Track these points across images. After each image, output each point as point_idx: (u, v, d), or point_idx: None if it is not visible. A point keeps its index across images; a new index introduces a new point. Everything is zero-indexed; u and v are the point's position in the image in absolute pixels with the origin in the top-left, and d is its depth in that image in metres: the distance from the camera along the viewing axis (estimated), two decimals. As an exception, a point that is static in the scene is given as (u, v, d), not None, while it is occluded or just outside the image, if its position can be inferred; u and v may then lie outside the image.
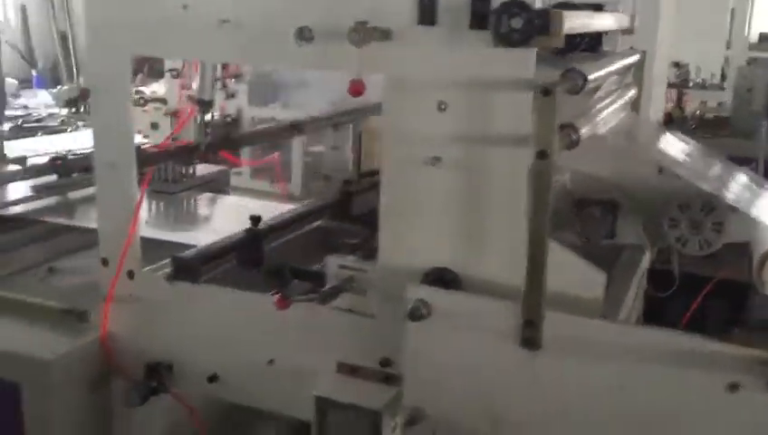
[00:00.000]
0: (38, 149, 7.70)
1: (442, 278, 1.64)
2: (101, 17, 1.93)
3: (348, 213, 2.82)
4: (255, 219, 2.28)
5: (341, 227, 2.74)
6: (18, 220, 2.81)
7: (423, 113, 1.64)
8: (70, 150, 8.11)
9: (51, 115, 11.76)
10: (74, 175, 3.17)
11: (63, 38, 17.09)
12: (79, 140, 10.17)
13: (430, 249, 1.69)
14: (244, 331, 1.93)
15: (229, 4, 1.77)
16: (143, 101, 8.17)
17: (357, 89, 1.56)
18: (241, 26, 1.76)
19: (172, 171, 3.16)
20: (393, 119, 1.69)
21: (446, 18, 1.59)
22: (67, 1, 17.37)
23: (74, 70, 16.85)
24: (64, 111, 12.01)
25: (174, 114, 7.80)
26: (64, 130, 11.01)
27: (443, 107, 1.62)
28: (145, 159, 2.21)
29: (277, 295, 1.78)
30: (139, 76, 17.74)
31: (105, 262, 2.07)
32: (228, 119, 7.67)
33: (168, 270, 2.09)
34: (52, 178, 3.10)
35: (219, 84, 7.50)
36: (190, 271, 2.00)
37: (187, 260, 2.02)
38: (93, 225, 2.78)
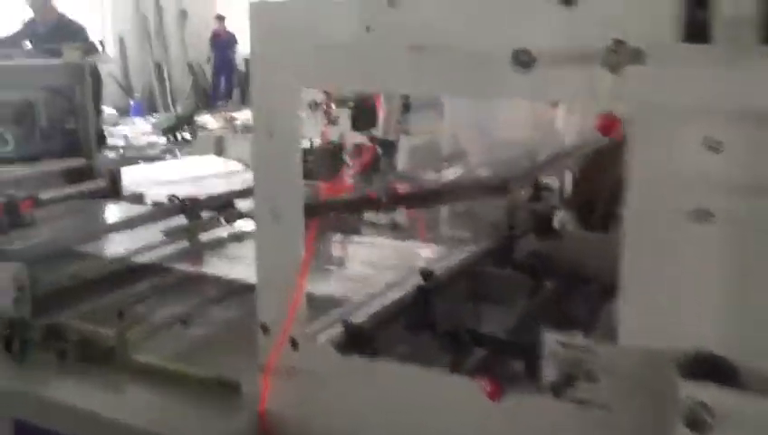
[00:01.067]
0: (148, 176, 7.70)
1: (716, 370, 1.27)
2: (266, 47, 1.66)
3: (510, 258, 2.48)
4: (426, 274, 1.96)
5: (504, 275, 2.40)
6: (149, 269, 2.57)
7: (687, 154, 1.28)
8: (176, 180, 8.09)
9: (150, 144, 11.90)
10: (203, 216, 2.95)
11: (159, 68, 17.54)
12: (180, 168, 10.24)
13: (694, 329, 1.32)
14: (435, 419, 1.59)
15: (425, 25, 1.46)
16: (246, 129, 8.06)
17: (610, 125, 1.21)
18: (439, 52, 1.45)
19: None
20: (642, 160, 1.33)
21: (722, 33, 1.23)
22: (163, 33, 17.86)
23: (169, 98, 17.24)
24: (163, 139, 12.18)
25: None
26: (164, 158, 11.10)
27: (716, 146, 1.26)
28: (315, 208, 1.91)
29: (487, 381, 1.44)
30: (230, 101, 18.06)
31: (265, 328, 1.78)
32: (331, 145, 7.48)
33: (331, 333, 1.80)
34: (181, 219, 2.88)
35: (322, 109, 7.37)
36: (366, 341, 1.68)
37: (363, 328, 1.71)
38: (228, 273, 2.57)
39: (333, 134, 8.20)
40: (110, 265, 2.42)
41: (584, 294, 2.37)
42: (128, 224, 2.69)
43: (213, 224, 2.85)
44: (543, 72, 1.36)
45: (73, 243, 2.49)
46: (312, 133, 8.22)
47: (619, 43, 1.20)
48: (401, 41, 1.48)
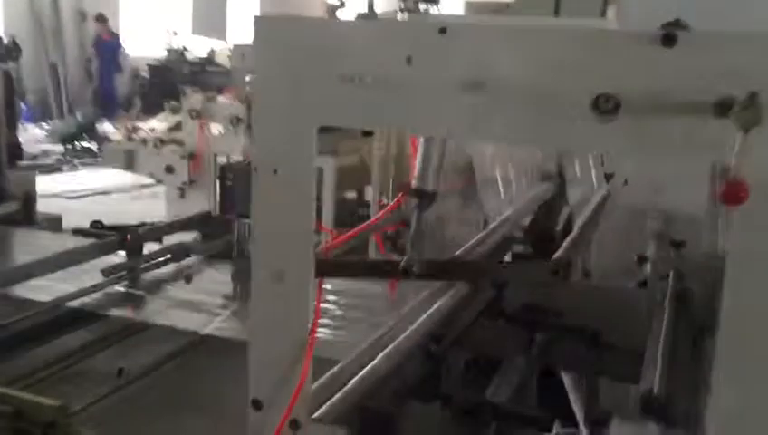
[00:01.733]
0: (46, 190, 7.08)
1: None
2: (274, 72, 1.38)
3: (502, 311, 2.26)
4: (437, 339, 1.72)
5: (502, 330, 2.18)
6: (87, 316, 2.21)
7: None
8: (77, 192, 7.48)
9: (44, 152, 11.08)
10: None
11: (54, 70, 16.49)
12: (79, 180, 9.56)
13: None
14: None
15: (484, 59, 1.23)
16: (160, 142, 7.56)
17: (738, 193, 1.01)
18: (500, 91, 1.22)
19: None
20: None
21: None
22: (61, 33, 16.83)
23: (64, 104, 16.23)
24: (59, 148, 11.39)
25: (191, 157, 7.22)
26: (60, 169, 10.36)
27: None
28: (327, 268, 1.62)
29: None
30: (134, 111, 17.22)
31: (257, 404, 1.49)
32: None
33: (337, 410, 1.52)
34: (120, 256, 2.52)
35: (244, 126, 6.99)
36: (388, 428, 1.42)
37: (386, 414, 1.44)
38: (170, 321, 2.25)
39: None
40: (42, 314, 2.05)
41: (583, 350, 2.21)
42: (59, 262, 2.30)
43: (159, 263, 2.50)
44: (628, 121, 1.15)
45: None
46: (233, 149, 7.84)
47: (753, 96, 1.01)
48: (452, 76, 1.25)
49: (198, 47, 16.94)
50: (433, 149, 1.65)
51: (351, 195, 8.14)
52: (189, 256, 2.64)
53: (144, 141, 8.39)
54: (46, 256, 2.26)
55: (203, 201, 7.48)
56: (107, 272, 2.35)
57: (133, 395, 2.03)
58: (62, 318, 2.13)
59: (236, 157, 7.50)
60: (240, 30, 18.24)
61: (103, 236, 3.12)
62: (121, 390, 2.00)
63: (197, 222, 2.87)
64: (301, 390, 1.43)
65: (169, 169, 7.28)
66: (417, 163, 1.69)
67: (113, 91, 17.28)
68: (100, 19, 16.05)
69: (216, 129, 7.31)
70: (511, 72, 1.22)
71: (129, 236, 2.52)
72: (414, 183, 1.71)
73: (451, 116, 1.27)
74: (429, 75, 1.27)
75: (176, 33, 16.62)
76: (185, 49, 16.27)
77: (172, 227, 2.77)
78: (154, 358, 2.28)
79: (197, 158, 7.27)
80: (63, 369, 2.07)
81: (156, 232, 2.65)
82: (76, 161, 10.74)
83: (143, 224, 5.97)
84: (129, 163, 7.49)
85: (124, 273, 2.38)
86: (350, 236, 1.77)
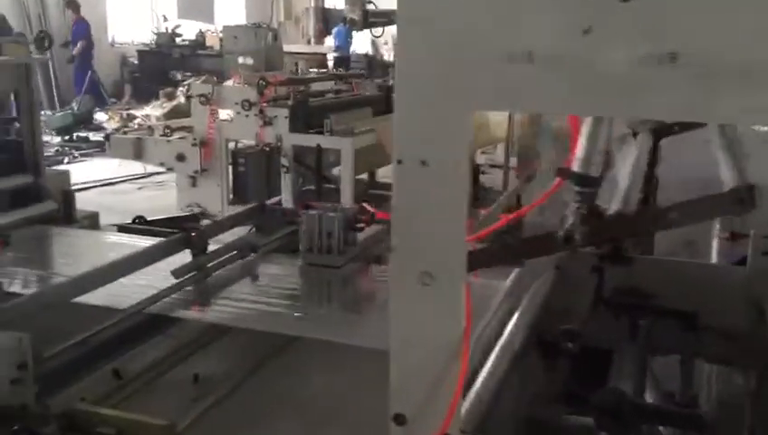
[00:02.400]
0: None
1: None
2: (420, 56, 1.23)
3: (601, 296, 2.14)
4: (572, 335, 1.59)
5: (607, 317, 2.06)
6: (160, 322, 2.08)
7: None
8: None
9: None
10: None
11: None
12: (82, 171, 9.35)
13: None
14: None
15: (677, 28, 1.09)
16: (170, 131, 7.36)
17: None
18: (699, 63, 1.08)
19: (339, 239, 2.45)
20: None
21: None
22: (46, 18, 16.45)
23: (55, 94, 15.91)
24: (55, 139, 11.14)
25: (203, 144, 7.04)
26: (61, 162, 10.13)
27: None
28: (479, 261, 1.48)
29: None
30: (123, 100, 16.91)
31: (400, 420, 1.36)
32: (266, 148, 6.94)
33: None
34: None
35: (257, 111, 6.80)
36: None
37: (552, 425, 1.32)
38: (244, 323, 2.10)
39: (269, 135, 7.59)
40: (119, 322, 1.90)
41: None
42: (128, 266, 2.15)
43: (228, 261, 2.36)
44: None
45: (70, 295, 1.94)
46: (245, 134, 7.64)
47: None
48: (638, 47, 1.11)
49: (187, 31, 16.62)
50: (600, 130, 1.51)
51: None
52: (255, 253, 2.50)
53: (151, 129, 8.20)
54: (117, 259, 2.11)
55: (215, 188, 7.32)
56: (178, 273, 2.20)
57: (224, 403, 1.90)
58: (138, 325, 1.99)
59: (248, 142, 7.33)
60: (227, 12, 17.94)
61: (153, 232, 2.98)
62: (214, 399, 1.87)
63: (253, 215, 2.73)
64: (456, 402, 1.31)
65: (180, 158, 7.10)
66: (579, 146, 1.54)
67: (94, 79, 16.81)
68: (72, 5, 15.47)
69: (225, 114, 7.13)
70: (710, 43, 1.08)
71: (194, 234, 2.37)
72: (576, 167, 1.56)
73: (637, 94, 1.14)
74: (610, 47, 1.13)
75: (166, 18, 16.33)
76: (175, 33, 15.95)
77: (231, 221, 2.63)
78: (234, 363, 2.15)
79: (209, 144, 7.09)
80: (146, 380, 1.94)
81: (217, 227, 2.51)
82: (76, 153, 10.51)
83: (184, 216, 5.81)
84: (138, 153, 7.29)
85: (195, 274, 2.23)
86: (501, 224, 1.63)
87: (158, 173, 8.75)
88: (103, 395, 1.83)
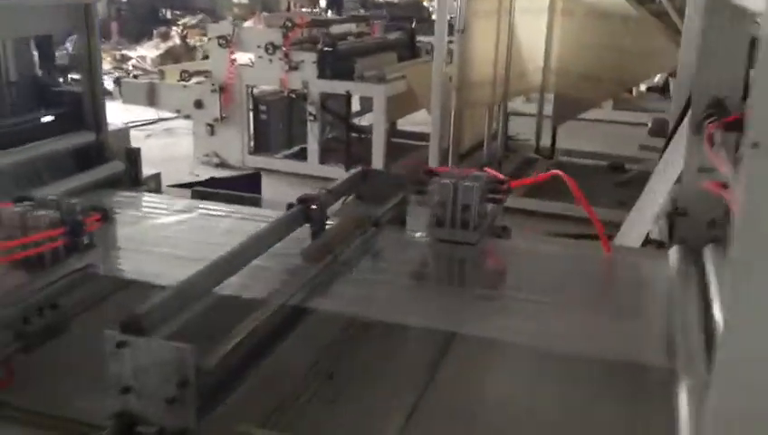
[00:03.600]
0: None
1: None
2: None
3: None
4: None
5: None
6: (292, 313, 1.78)
7: None
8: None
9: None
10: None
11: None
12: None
13: None
14: None
15: None
16: (187, 76, 6.93)
17: None
18: None
19: (475, 212, 2.14)
20: None
21: None
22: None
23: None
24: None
25: (222, 90, 6.62)
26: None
27: None
28: None
29: None
30: (113, 40, 16.21)
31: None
32: (292, 95, 6.54)
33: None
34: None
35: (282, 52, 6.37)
36: None
37: None
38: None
39: (294, 81, 7.16)
40: (272, 317, 1.60)
41: None
42: (258, 247, 1.83)
43: (350, 237, 2.04)
44: None
45: (210, 284, 1.62)
46: (267, 80, 7.17)
47: None
48: None
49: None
50: None
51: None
52: (377, 226, 2.19)
53: (162, 73, 7.74)
54: (245, 240, 1.79)
55: (234, 137, 6.93)
56: (309, 255, 1.89)
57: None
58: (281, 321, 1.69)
59: (271, 87, 6.91)
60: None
61: (228, 197, 2.67)
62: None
63: (357, 181, 2.41)
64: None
65: (198, 105, 6.69)
66: None
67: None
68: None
69: (246, 58, 6.70)
70: None
71: (314, 207, 2.05)
72: None
73: None
74: None
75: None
76: (165, -35, 15.21)
77: (341, 189, 2.31)
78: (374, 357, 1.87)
79: (228, 90, 6.68)
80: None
81: (332, 198, 2.19)
82: (72, 96, 9.96)
83: (247, 175, 5.44)
84: (151, 99, 6.86)
85: (329, 256, 1.92)
86: None
87: (164, 119, 8.30)
88: (269, 410, 1.54)
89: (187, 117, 7.04)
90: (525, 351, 1.78)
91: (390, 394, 1.67)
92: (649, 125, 8.09)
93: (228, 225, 2.30)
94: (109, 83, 7.90)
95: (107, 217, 1.93)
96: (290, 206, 2.10)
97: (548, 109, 7.22)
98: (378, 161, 6.47)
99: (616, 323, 1.79)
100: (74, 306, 1.86)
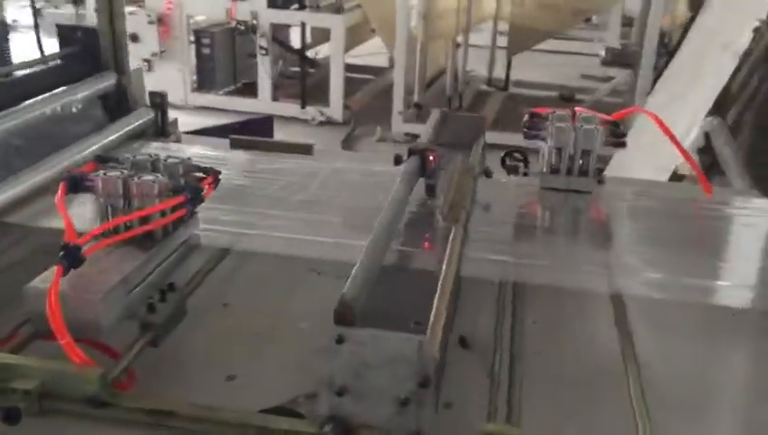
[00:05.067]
0: None
1: None
2: None
3: None
4: None
5: None
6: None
7: None
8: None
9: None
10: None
11: None
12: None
13: None
14: None
15: None
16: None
17: None
18: None
19: (594, 158, 1.97)
20: None
21: None
22: None
23: None
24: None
25: (160, 21, 6.06)
26: None
27: None
28: None
29: None
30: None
31: None
32: (241, 26, 6.06)
33: None
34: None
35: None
36: None
37: None
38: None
39: (242, 12, 6.77)
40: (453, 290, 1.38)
41: None
42: (401, 208, 1.58)
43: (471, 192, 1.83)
44: None
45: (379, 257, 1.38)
46: (213, 11, 6.72)
47: None
48: None
49: None
50: None
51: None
52: (489, 176, 1.99)
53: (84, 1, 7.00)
54: (388, 203, 1.54)
55: (175, 73, 6.41)
56: (448, 215, 1.68)
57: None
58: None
59: (215, 19, 6.37)
60: None
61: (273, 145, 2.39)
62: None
63: (439, 125, 2.19)
64: None
65: (134, 38, 6.10)
66: None
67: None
68: None
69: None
70: None
71: (432, 158, 1.82)
72: None
73: None
74: None
75: None
76: None
77: (433, 135, 2.09)
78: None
79: (167, 22, 6.12)
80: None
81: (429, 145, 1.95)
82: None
83: (256, 120, 4.96)
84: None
85: (463, 213, 1.71)
86: None
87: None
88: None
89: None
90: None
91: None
92: (602, 54, 8.10)
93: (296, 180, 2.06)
94: (28, 16, 7.08)
95: (218, 179, 1.63)
96: (397, 158, 1.86)
97: (501, 41, 7.08)
98: (336, 97, 6.16)
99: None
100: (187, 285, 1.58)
